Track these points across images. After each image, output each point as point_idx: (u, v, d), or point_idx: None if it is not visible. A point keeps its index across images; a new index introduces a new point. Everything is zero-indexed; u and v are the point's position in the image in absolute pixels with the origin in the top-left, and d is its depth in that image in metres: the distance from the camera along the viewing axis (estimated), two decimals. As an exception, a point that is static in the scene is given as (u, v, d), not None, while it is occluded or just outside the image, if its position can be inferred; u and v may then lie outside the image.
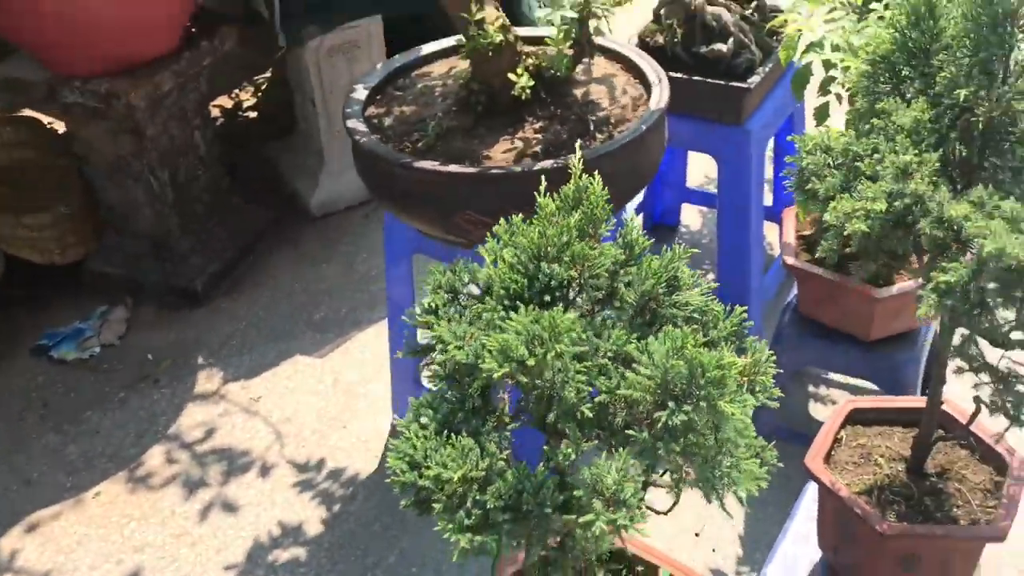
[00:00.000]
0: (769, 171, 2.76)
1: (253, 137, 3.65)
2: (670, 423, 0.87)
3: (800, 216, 1.98)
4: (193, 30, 2.74)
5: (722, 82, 2.12)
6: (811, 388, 2.38)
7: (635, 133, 1.76)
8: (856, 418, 1.55)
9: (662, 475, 1.07)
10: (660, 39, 2.21)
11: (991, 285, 1.02)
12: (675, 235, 2.97)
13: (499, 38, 1.76)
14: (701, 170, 3.00)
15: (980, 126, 1.06)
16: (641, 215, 2.89)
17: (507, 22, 1.80)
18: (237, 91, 4.02)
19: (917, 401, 1.50)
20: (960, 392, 1.43)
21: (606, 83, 1.97)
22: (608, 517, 0.88)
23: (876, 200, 1.06)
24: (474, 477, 0.90)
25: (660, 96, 1.87)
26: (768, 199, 2.69)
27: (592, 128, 1.83)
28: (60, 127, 3.09)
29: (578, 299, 0.97)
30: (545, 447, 0.93)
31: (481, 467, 0.90)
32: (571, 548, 1.02)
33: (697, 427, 0.88)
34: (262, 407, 2.52)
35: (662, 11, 2.22)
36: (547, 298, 0.92)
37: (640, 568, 1.35)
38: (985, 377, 1.21)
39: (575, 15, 1.63)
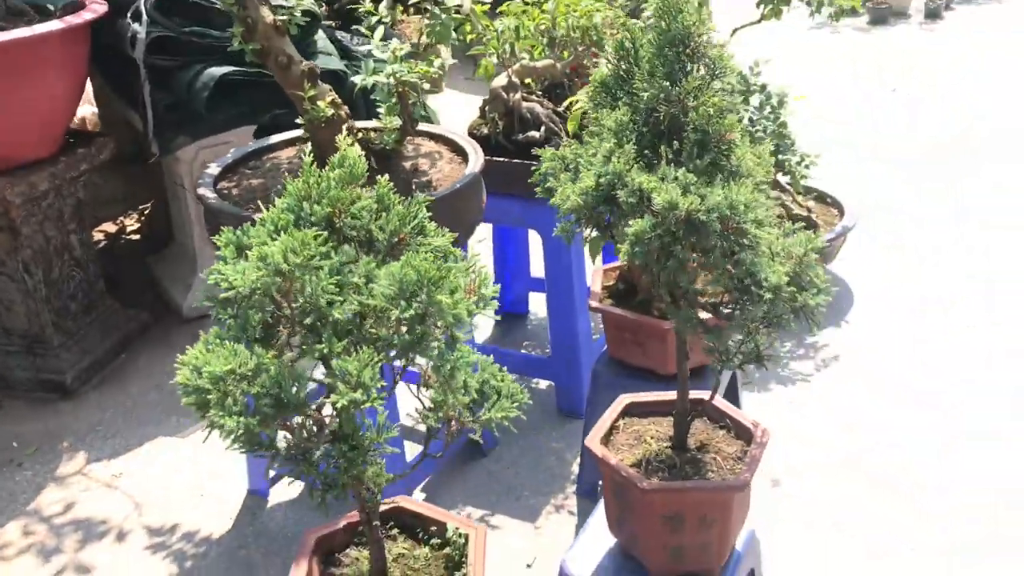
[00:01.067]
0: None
1: (134, 254, 3.86)
2: (403, 316, 1.10)
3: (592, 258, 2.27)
4: (71, 140, 2.98)
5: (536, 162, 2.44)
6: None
7: (451, 189, 2.05)
8: (632, 411, 1.79)
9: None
10: (485, 130, 2.54)
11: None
12: (525, 321, 3.24)
13: (330, 111, 2.05)
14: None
15: (665, 121, 1.37)
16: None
17: (338, 100, 2.09)
18: (122, 219, 4.26)
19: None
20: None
21: (430, 157, 2.28)
22: (351, 396, 1.08)
23: (587, 180, 1.35)
24: (242, 373, 1.10)
25: (475, 164, 2.17)
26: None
27: (415, 188, 2.11)
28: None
29: (344, 247, 1.21)
30: (303, 347, 1.13)
31: (249, 365, 1.10)
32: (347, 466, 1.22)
33: (428, 324, 1.11)
34: (123, 483, 2.61)
35: (486, 107, 2.56)
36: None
37: (433, 528, 1.53)
38: (701, 331, 1.47)
39: (387, 80, 1.93)
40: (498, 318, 3.24)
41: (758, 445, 1.65)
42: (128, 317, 3.29)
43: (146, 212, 4.21)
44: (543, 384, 2.92)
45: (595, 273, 2.35)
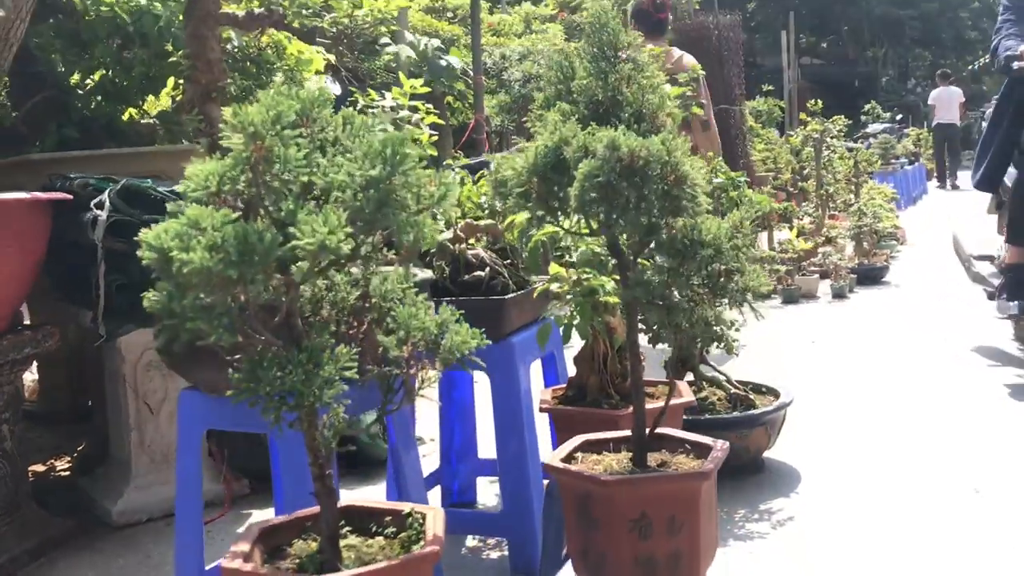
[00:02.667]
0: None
1: (64, 483, 3.70)
2: (369, 174, 1.15)
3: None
4: (19, 327, 3.00)
5: (482, 297, 2.54)
6: None
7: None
8: (587, 448, 1.75)
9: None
10: (432, 276, 2.66)
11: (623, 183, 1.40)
12: (473, 511, 3.13)
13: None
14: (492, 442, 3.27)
15: (603, 104, 1.52)
16: (439, 491, 3.09)
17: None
18: (53, 460, 4.13)
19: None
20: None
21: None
22: (319, 239, 1.10)
23: (536, 147, 1.47)
24: (205, 226, 1.13)
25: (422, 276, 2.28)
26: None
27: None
28: None
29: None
30: (270, 207, 1.17)
31: (216, 219, 1.13)
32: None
33: (395, 184, 1.16)
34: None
35: (433, 260, 2.70)
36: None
37: (388, 519, 1.44)
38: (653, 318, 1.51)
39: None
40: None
41: (720, 450, 1.62)
42: (53, 523, 3.10)
43: (79, 450, 4.09)
44: (495, 554, 2.78)
45: (543, 391, 2.38)
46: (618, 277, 1.65)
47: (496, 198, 1.57)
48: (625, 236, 1.49)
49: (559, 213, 1.53)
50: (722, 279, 1.46)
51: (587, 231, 1.52)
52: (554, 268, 2.14)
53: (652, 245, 1.47)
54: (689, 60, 5.24)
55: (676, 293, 1.48)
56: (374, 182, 1.17)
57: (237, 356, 1.28)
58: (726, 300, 1.51)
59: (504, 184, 1.53)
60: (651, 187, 1.39)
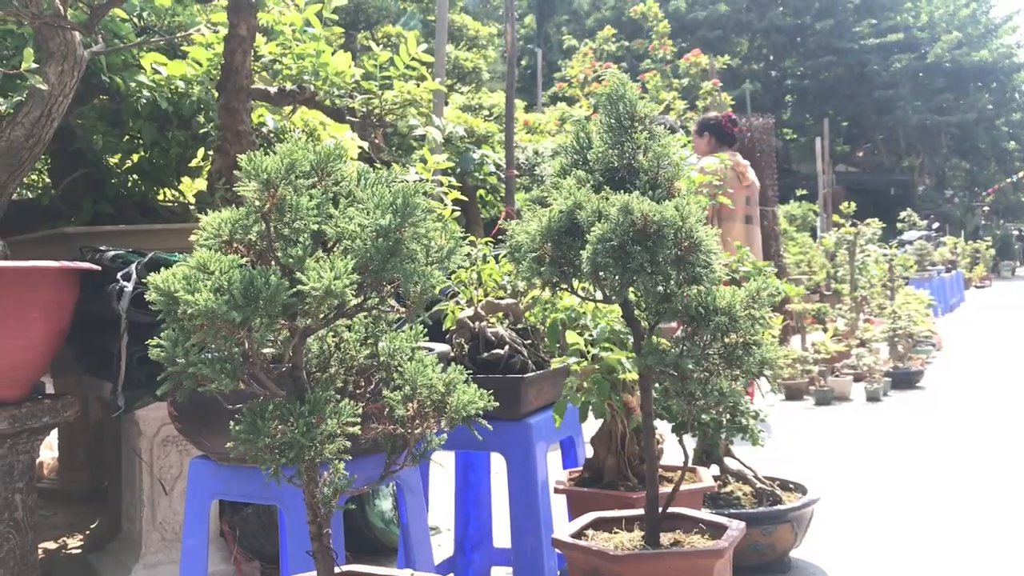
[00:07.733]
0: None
1: (72, 559, 3.66)
2: (379, 224, 1.15)
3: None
4: (39, 396, 3.00)
5: (500, 375, 2.51)
6: None
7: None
8: (599, 525, 1.69)
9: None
10: (451, 354, 2.64)
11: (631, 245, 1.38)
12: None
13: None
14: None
15: (620, 171, 1.52)
16: (453, 578, 3.01)
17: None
18: (65, 537, 4.08)
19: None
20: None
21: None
22: (325, 283, 1.10)
23: (551, 212, 1.47)
24: (212, 269, 1.12)
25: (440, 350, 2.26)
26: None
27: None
28: None
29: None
30: (279, 253, 1.16)
31: (223, 263, 1.13)
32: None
33: (405, 233, 1.16)
34: None
35: (453, 337, 2.68)
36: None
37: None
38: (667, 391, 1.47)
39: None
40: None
41: (736, 530, 1.56)
42: (57, 597, 3.04)
43: (92, 528, 4.06)
44: (507, 647, 2.68)
45: (560, 473, 2.32)
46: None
47: (510, 263, 1.56)
48: (639, 302, 1.46)
49: (573, 278, 1.51)
50: (738, 351, 1.43)
51: (600, 298, 1.50)
52: (571, 337, 2.11)
53: (666, 313, 1.45)
54: (751, 173, 5.74)
55: (690, 363, 1.44)
56: (383, 231, 1.16)
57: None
58: (740, 372, 1.46)
59: (518, 249, 1.52)
60: (664, 252, 1.38)
